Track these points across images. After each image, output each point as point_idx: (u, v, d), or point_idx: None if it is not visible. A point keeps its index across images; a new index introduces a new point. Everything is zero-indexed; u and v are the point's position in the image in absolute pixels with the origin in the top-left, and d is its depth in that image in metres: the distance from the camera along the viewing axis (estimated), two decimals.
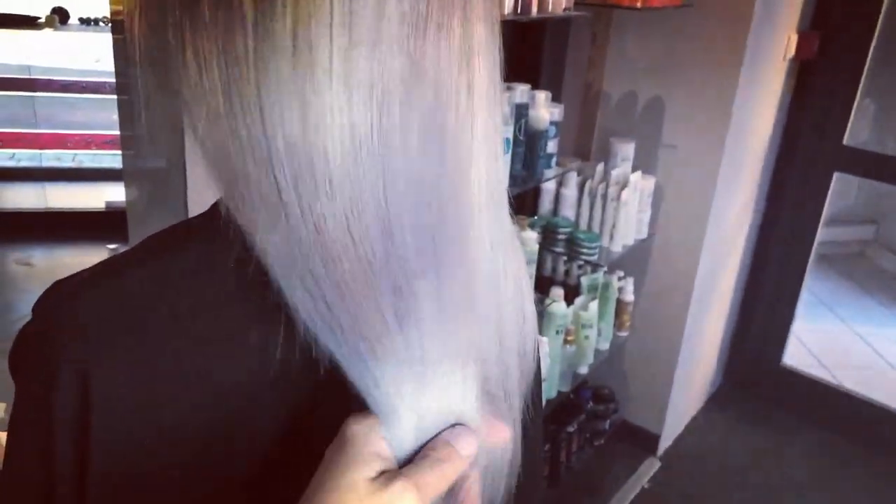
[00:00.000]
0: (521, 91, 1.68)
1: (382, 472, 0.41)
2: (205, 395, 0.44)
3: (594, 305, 2.13)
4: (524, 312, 0.53)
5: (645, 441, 2.63)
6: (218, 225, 0.42)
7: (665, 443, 2.67)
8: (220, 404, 0.45)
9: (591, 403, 2.47)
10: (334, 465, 0.41)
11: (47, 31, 3.62)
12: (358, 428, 0.42)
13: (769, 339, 2.95)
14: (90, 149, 4.00)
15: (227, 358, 0.45)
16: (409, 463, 0.43)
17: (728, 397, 3.01)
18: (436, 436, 0.44)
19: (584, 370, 2.18)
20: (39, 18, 3.60)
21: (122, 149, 1.65)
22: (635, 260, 2.39)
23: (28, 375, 0.45)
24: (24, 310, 3.10)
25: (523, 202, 2.26)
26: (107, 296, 0.44)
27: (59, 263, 3.54)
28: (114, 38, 1.53)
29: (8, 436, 0.46)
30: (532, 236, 1.92)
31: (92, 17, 3.83)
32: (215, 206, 0.45)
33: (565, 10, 1.65)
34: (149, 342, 0.43)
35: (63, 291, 0.45)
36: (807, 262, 2.79)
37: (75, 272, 0.47)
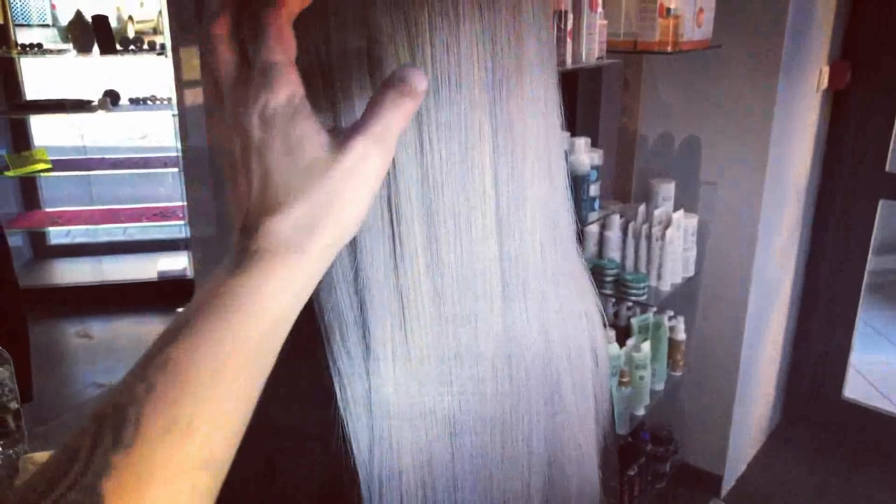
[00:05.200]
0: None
1: (331, 131, 0.38)
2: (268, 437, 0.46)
3: (647, 346, 2.13)
4: (594, 345, 0.55)
5: (707, 482, 2.58)
6: None
7: (728, 483, 2.61)
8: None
9: (650, 446, 2.44)
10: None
11: (100, 113, 3.81)
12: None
13: (827, 373, 2.89)
14: (141, 221, 4.15)
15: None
16: None
17: (789, 433, 2.94)
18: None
19: (640, 412, 2.16)
20: (93, 102, 3.79)
21: (188, 219, 1.72)
22: (684, 298, 2.39)
23: None
24: (86, 381, 3.20)
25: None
26: None
27: (117, 334, 3.65)
28: (177, 118, 1.61)
29: None
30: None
31: (141, 96, 4.02)
32: None
33: (598, 58, 1.70)
34: None
35: None
36: (859, 292, 2.75)
37: None
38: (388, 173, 0.43)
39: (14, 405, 1.26)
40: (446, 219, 0.44)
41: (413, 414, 0.45)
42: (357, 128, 0.37)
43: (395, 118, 0.37)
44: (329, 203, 0.36)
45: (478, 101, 0.43)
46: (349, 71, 0.42)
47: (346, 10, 0.42)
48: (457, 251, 0.44)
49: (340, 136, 0.37)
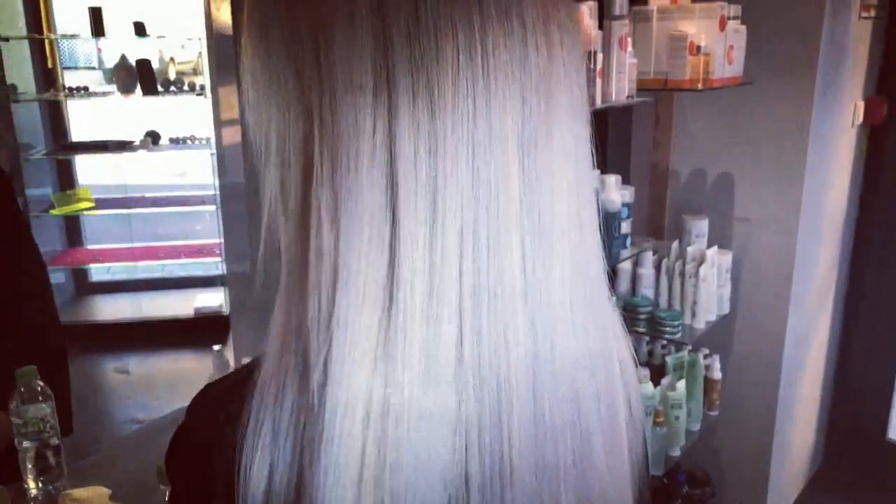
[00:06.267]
0: None
1: None
2: None
3: (682, 385, 2.10)
4: (628, 394, 0.55)
5: None
6: None
7: None
8: None
9: (686, 487, 2.38)
10: None
11: (141, 153, 3.92)
12: None
13: (870, 413, 2.81)
14: (179, 258, 4.24)
15: None
16: None
17: (832, 477, 2.85)
18: None
19: (676, 452, 2.12)
20: (135, 142, 3.91)
21: (224, 256, 1.75)
22: (720, 336, 2.35)
23: (183, 466, 0.51)
24: (124, 416, 3.24)
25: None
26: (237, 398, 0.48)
27: (154, 370, 3.71)
28: (215, 157, 1.66)
29: None
30: (612, 297, 1.92)
31: (181, 136, 4.13)
32: None
33: (628, 97, 1.71)
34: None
35: (209, 396, 0.51)
36: None
37: (219, 378, 0.53)
38: (402, 240, 0.42)
39: (55, 441, 1.28)
40: (474, 282, 0.43)
41: (432, 470, 0.44)
42: None
43: None
44: None
45: (505, 160, 0.43)
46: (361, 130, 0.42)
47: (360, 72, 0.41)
48: (486, 315, 0.43)
49: None
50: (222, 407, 0.48)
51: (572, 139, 0.47)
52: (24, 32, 3.78)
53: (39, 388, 1.26)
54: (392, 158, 0.41)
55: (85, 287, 4.54)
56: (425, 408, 0.43)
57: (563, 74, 0.45)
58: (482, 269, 0.43)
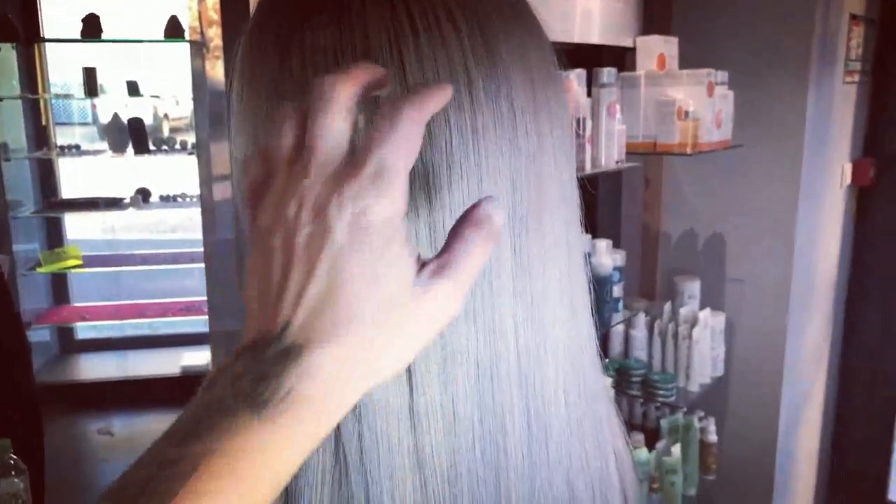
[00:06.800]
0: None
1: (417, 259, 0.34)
2: None
3: (677, 449, 2.06)
4: (623, 484, 0.53)
5: None
6: None
7: None
8: None
9: None
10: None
11: (131, 210, 3.91)
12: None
13: (870, 475, 2.76)
14: (166, 316, 4.19)
15: None
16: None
17: None
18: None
19: None
20: (125, 199, 3.90)
21: (209, 313, 1.73)
22: (714, 399, 2.32)
23: None
24: (105, 480, 3.15)
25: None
26: None
27: (138, 431, 3.62)
28: (203, 213, 1.65)
29: None
30: (607, 381, 1.90)
31: (171, 194, 4.13)
32: None
33: (617, 162, 1.72)
34: None
35: None
36: None
37: None
38: None
39: None
40: (467, 366, 0.42)
41: None
42: (444, 270, 0.33)
43: (480, 262, 0.34)
44: (388, 346, 0.32)
45: (497, 245, 0.42)
46: None
47: None
48: (476, 402, 0.42)
49: (423, 274, 0.33)
50: None
51: (563, 224, 0.46)
52: (17, 91, 3.80)
53: (13, 462, 1.21)
54: None
55: (70, 345, 4.46)
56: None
57: (552, 159, 0.45)
58: (482, 355, 0.42)
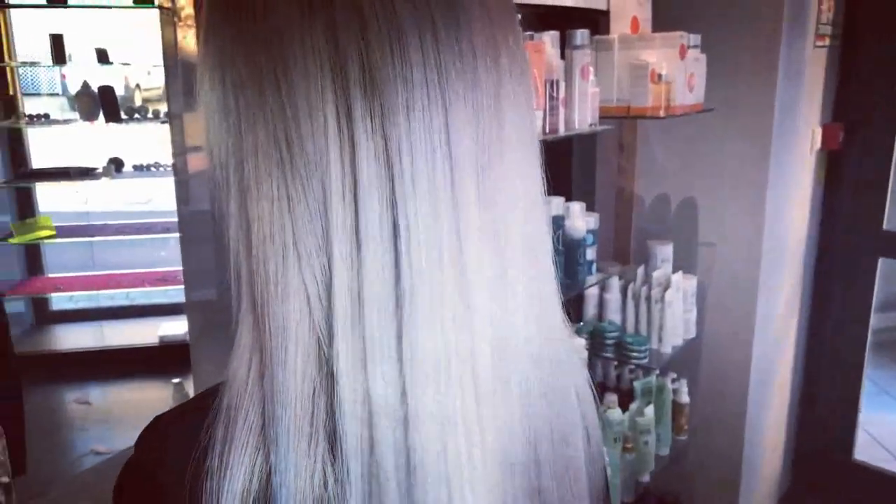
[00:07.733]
0: (556, 204, 1.74)
1: None
2: None
3: (650, 410, 2.10)
4: (586, 423, 0.55)
5: None
6: None
7: None
8: None
9: None
10: None
11: (104, 180, 3.86)
12: None
13: (836, 434, 2.84)
14: (143, 286, 4.16)
15: None
16: None
17: (800, 498, 2.86)
18: None
19: (646, 478, 2.12)
20: (98, 169, 3.85)
21: (185, 283, 1.73)
22: (687, 361, 2.36)
23: (131, 499, 0.49)
24: (82, 448, 3.15)
25: (567, 310, 2.27)
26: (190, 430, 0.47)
27: (115, 400, 3.61)
28: (177, 184, 1.64)
29: None
30: (581, 343, 1.93)
31: (145, 163, 4.07)
32: None
33: (591, 125, 1.73)
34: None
35: (158, 428, 0.49)
36: (864, 351, 2.73)
37: (171, 408, 0.51)
38: (357, 257, 0.42)
39: (5, 479, 1.24)
40: (422, 303, 0.43)
41: None
42: None
43: None
44: None
45: (463, 181, 0.44)
46: (321, 138, 0.42)
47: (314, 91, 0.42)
48: (434, 337, 0.43)
49: None
50: (173, 436, 0.48)
51: (525, 162, 0.48)
52: None
53: None
54: (355, 185, 0.42)
55: (45, 316, 4.42)
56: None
57: (512, 98, 0.46)
58: (448, 293, 0.43)
